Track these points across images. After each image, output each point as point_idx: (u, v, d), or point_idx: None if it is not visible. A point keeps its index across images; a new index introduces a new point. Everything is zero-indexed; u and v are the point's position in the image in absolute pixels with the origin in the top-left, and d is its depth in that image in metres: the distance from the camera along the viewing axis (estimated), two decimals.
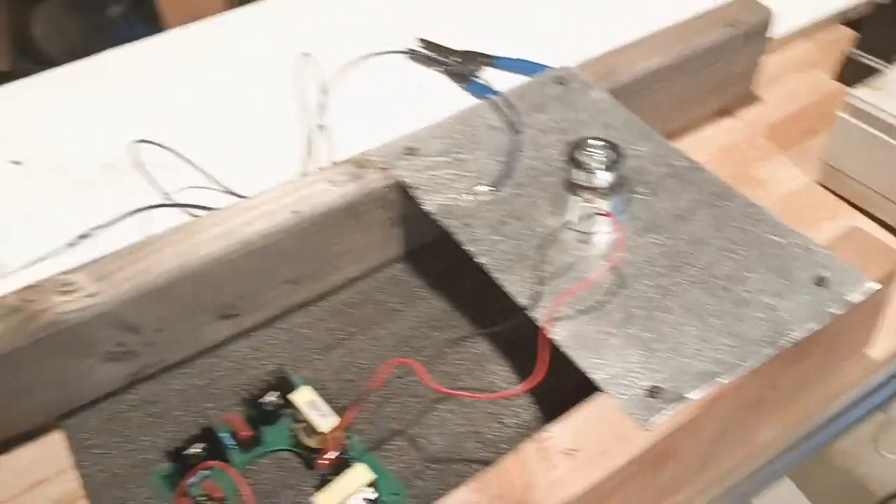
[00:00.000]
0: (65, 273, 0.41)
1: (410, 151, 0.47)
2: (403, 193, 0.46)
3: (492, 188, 0.44)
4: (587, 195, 0.40)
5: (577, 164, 0.40)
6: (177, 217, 0.52)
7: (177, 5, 0.96)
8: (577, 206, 0.41)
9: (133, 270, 0.41)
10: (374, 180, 0.46)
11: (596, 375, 0.36)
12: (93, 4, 1.05)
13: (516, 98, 0.49)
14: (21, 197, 0.55)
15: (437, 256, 0.50)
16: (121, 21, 1.10)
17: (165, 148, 0.53)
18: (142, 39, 0.67)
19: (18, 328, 0.39)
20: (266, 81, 0.62)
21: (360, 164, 0.46)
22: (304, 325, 0.47)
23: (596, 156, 0.40)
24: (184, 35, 0.69)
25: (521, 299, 0.39)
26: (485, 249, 0.41)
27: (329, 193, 0.45)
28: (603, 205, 0.40)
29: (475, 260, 0.41)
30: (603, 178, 0.40)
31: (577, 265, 0.40)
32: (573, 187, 0.41)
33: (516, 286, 0.39)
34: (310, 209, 0.44)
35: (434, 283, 0.49)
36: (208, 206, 0.52)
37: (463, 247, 0.42)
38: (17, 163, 0.57)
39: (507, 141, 0.47)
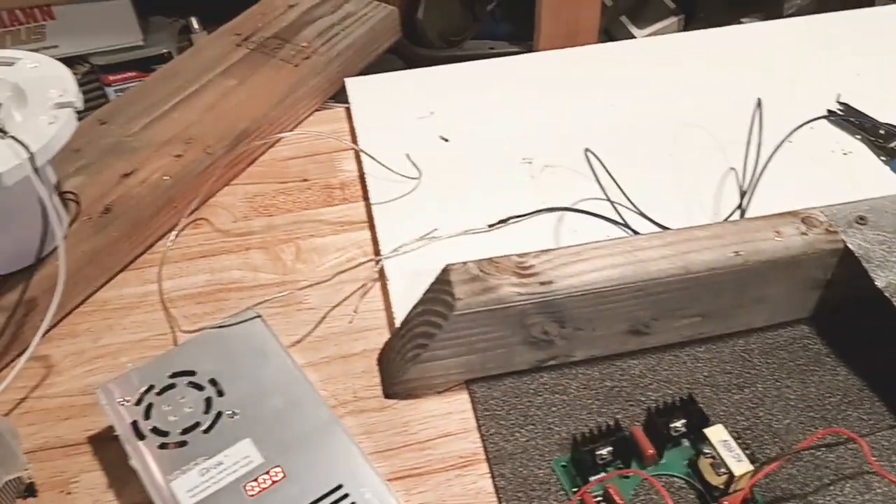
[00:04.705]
0: (524, 255, 0.45)
1: (862, 220, 0.46)
2: (842, 259, 0.46)
3: None
4: None
5: None
6: (584, 224, 0.55)
7: (556, 17, 1.00)
8: None
9: (580, 268, 0.44)
10: (821, 241, 0.45)
11: None
12: None
13: None
14: (447, 171, 0.60)
15: (845, 325, 0.49)
16: (490, 16, 1.17)
17: (597, 158, 0.56)
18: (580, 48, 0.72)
19: (476, 295, 0.43)
20: (697, 117, 0.64)
21: (805, 220, 0.46)
22: (704, 360, 0.48)
23: None
24: (601, 52, 0.72)
25: None
26: None
27: (773, 243, 0.45)
28: None
29: None
30: None
31: None
32: None
33: None
34: (753, 254, 0.45)
35: (843, 353, 0.48)
36: (618, 221, 0.55)
37: None
38: (445, 139, 0.62)
39: None
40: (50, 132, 0.45)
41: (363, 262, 0.54)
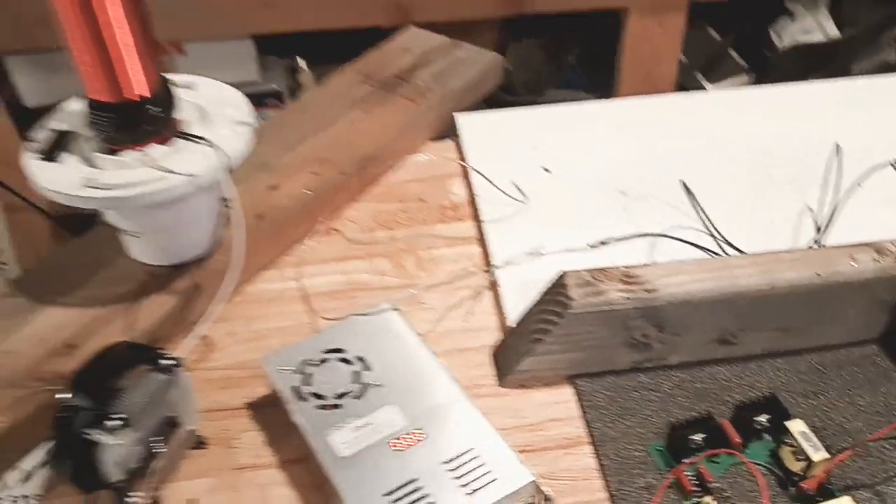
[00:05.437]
0: (630, 266, 0.52)
1: None
2: None
3: None
4: None
5: None
6: (676, 251, 0.62)
7: (636, 72, 1.08)
8: None
9: (680, 279, 0.51)
10: (892, 267, 0.52)
11: None
12: (557, 50, 1.21)
13: None
14: (549, 198, 0.67)
15: None
16: (570, 68, 1.26)
17: (689, 191, 0.63)
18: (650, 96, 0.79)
19: (588, 297, 0.50)
20: (773, 161, 0.71)
21: (879, 250, 0.53)
22: (783, 370, 0.54)
23: None
24: (682, 100, 0.80)
25: None
26: None
27: (849, 267, 0.52)
28: None
29: None
30: None
31: None
32: None
33: None
34: (832, 275, 0.51)
35: None
36: (706, 248, 0.61)
37: None
38: (547, 170, 0.70)
39: None
40: (234, 144, 0.54)
41: (476, 272, 0.62)
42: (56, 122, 0.55)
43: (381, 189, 0.71)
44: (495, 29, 1.19)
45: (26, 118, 1.17)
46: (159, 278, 0.57)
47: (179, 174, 0.51)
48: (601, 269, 0.52)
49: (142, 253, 0.58)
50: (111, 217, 0.56)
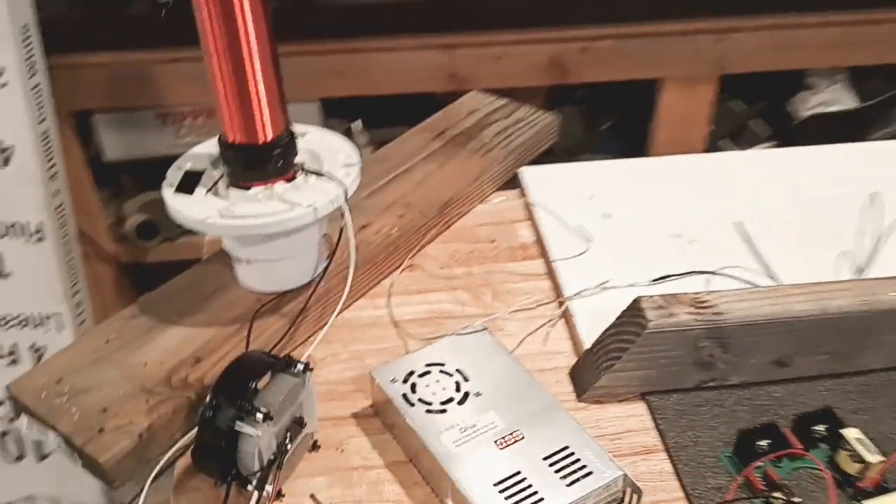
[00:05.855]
0: (698, 293, 0.59)
1: None
2: None
3: None
4: None
5: None
6: (727, 285, 0.69)
7: (668, 139, 1.17)
8: None
9: (744, 305, 0.58)
10: None
11: None
12: (595, 120, 1.31)
13: None
14: (610, 240, 0.75)
15: None
16: (604, 135, 1.35)
17: (746, 236, 0.70)
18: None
19: (661, 316, 0.57)
20: (811, 212, 0.78)
21: None
22: (833, 391, 0.60)
23: None
24: (717, 159, 0.88)
25: None
26: None
27: (892, 297, 0.58)
28: None
29: None
30: None
31: None
32: None
33: None
34: (876, 303, 0.58)
35: None
36: (755, 284, 0.68)
37: None
38: (607, 216, 0.77)
39: None
40: (346, 181, 0.61)
41: (549, 303, 0.69)
42: (189, 163, 0.63)
43: (454, 232, 0.78)
44: (542, 96, 1.28)
45: (101, 172, 1.26)
46: (268, 304, 0.64)
47: (302, 206, 0.59)
48: (672, 295, 0.59)
49: (253, 281, 0.65)
50: (230, 246, 0.63)
